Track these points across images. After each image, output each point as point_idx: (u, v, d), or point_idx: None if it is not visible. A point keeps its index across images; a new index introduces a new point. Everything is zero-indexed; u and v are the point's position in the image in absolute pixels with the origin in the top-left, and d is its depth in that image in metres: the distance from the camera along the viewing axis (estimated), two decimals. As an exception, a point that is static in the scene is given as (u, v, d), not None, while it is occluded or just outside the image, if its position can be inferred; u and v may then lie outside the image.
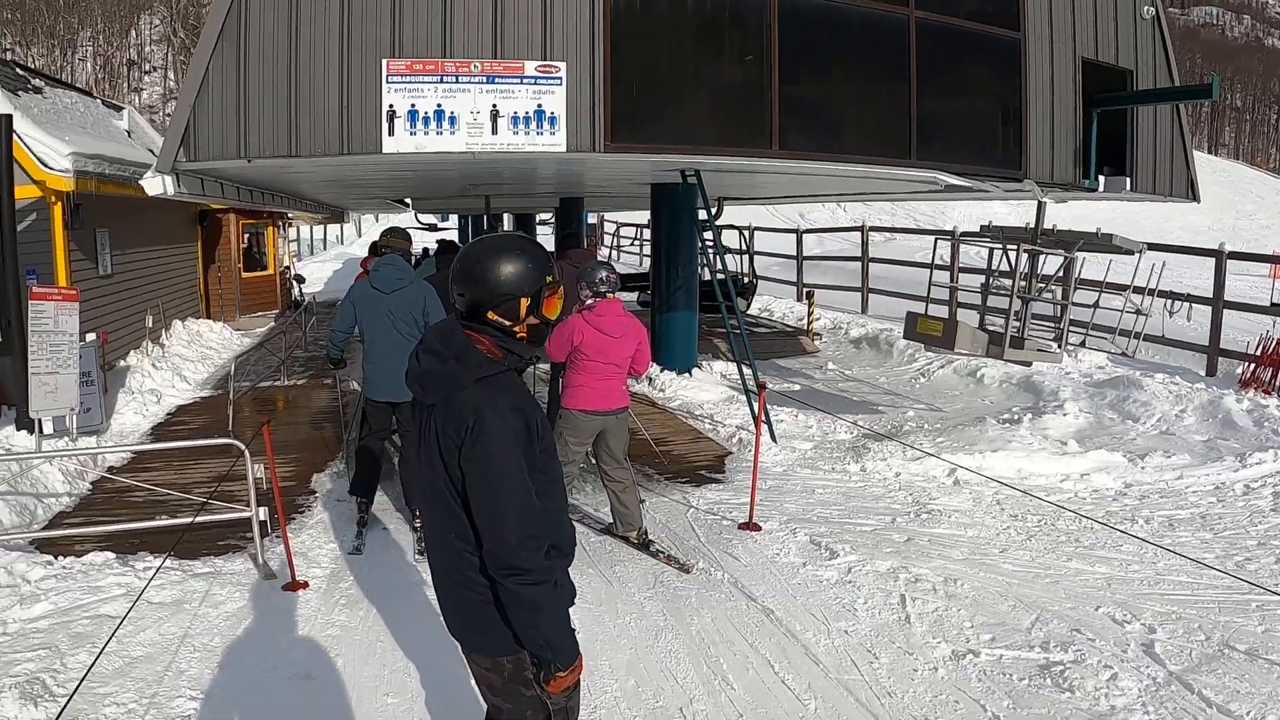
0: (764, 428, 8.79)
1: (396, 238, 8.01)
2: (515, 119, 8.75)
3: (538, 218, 30.20)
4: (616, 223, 36.82)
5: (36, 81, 15.46)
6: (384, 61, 8.58)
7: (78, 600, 6.50)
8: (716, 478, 9.07)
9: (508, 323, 3.09)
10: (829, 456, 9.55)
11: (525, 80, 8.73)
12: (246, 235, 23.38)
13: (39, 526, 8.22)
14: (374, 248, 8.81)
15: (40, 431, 10.28)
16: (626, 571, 6.84)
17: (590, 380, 6.86)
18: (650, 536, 7.31)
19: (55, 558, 7.12)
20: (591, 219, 31.25)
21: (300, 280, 26.33)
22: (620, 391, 7.02)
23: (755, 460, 7.98)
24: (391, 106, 8.59)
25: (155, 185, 8.79)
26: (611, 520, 7.44)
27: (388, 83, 8.58)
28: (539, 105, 8.77)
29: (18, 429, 10.35)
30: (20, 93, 13.61)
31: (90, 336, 11.76)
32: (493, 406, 2.96)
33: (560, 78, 8.84)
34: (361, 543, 7.54)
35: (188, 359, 16.14)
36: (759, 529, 7.48)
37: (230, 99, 8.51)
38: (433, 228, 24.45)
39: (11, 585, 6.70)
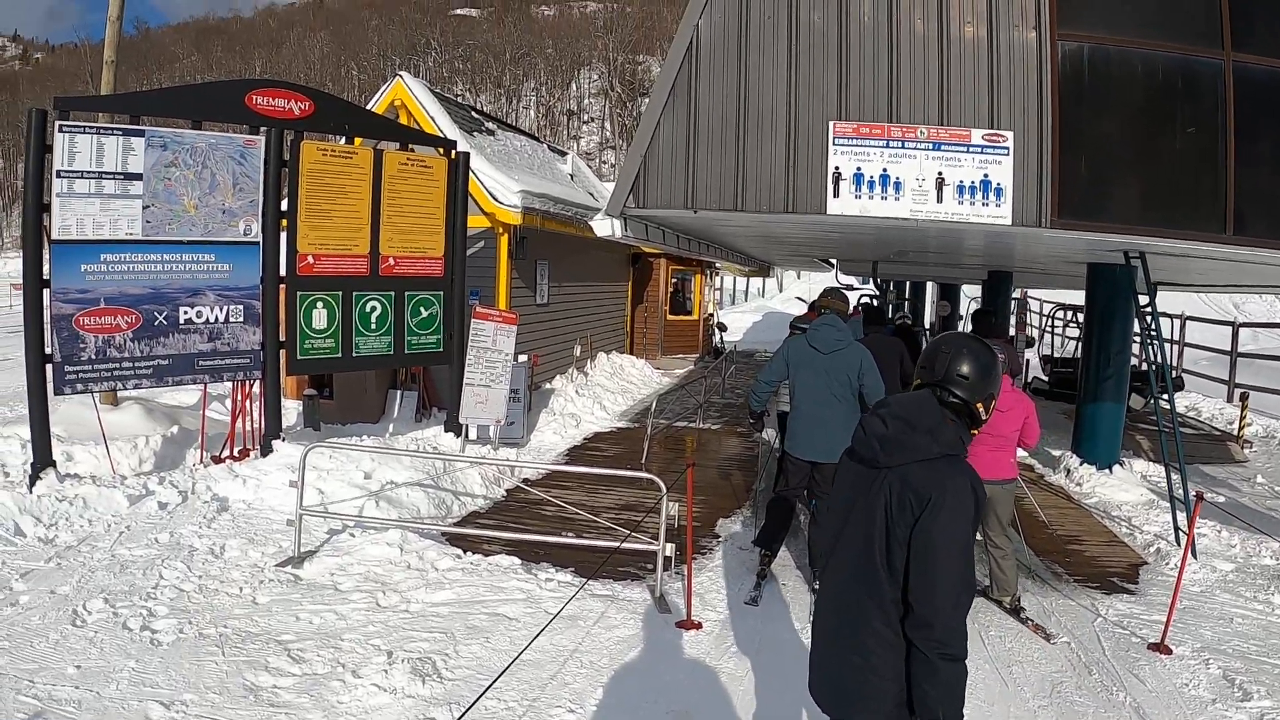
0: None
1: (835, 299, 8.09)
2: (961, 188, 8.47)
3: (963, 290, 29.37)
4: (1040, 299, 34.84)
5: (490, 125, 17.29)
6: (831, 123, 8.62)
7: (479, 595, 6.91)
8: (1128, 588, 8.27)
9: (984, 416, 3.43)
10: (1251, 582, 8.45)
11: (972, 149, 8.45)
12: (675, 280, 24.60)
13: (452, 521, 8.93)
14: (813, 306, 8.82)
15: (466, 436, 11.25)
16: (1023, 673, 6.34)
17: (980, 451, 7.01)
18: (1022, 604, 7.42)
19: (464, 552, 7.69)
20: (1015, 294, 29.81)
21: (722, 328, 27.24)
22: (1008, 463, 7.38)
23: (1179, 579, 7.28)
24: (837, 168, 8.60)
25: (604, 227, 9.31)
26: (988, 584, 7.62)
27: (834, 144, 8.60)
28: (985, 175, 8.45)
29: (445, 430, 11.35)
30: (475, 134, 15.22)
31: (522, 358, 12.78)
32: (955, 483, 3.13)
33: (1007, 148, 8.45)
34: (759, 594, 7.43)
35: (609, 390, 17.06)
36: (1169, 652, 6.84)
37: (680, 152, 8.91)
38: (849, 289, 24.44)
39: (420, 570, 7.29)
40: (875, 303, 17.22)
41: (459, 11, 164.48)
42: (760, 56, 8.62)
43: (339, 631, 6.20)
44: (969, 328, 12.88)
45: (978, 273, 20.61)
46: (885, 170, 8.49)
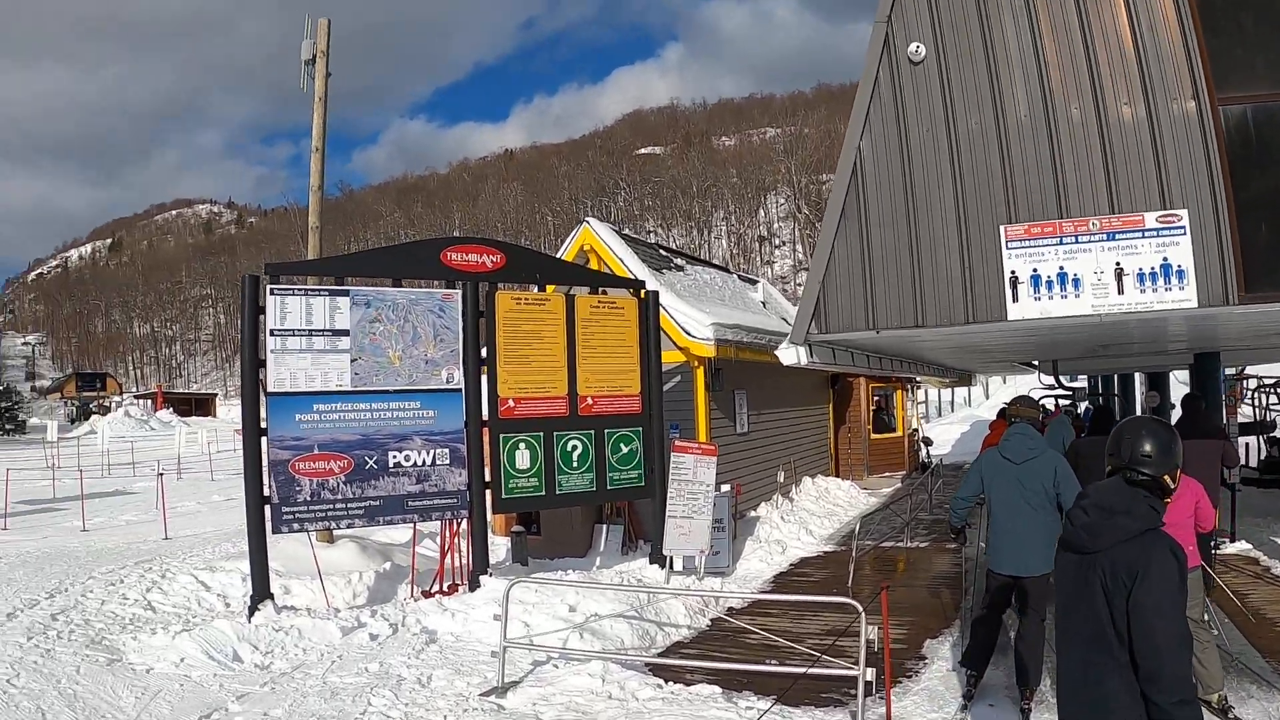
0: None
1: (1025, 406, 8.03)
2: (1140, 276, 8.26)
3: (1173, 375, 28.07)
4: (1258, 376, 32.45)
5: (679, 260, 18.03)
6: (1002, 228, 8.62)
7: (678, 726, 6.97)
8: (1352, 685, 7.63)
9: (1172, 485, 3.91)
10: None
11: (1147, 234, 8.26)
12: (876, 398, 24.49)
13: (656, 652, 9.09)
14: (1003, 413, 8.71)
15: (670, 568, 11.47)
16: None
17: None
18: (1230, 703, 7.00)
19: (665, 682, 7.81)
20: (1230, 370, 28.14)
21: (928, 442, 26.82)
22: (1188, 551, 6.94)
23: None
24: (1013, 272, 8.57)
25: (789, 356, 9.53)
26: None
27: (1007, 248, 8.60)
28: (1164, 259, 8.22)
29: (650, 562, 11.62)
30: (664, 270, 15.84)
31: (725, 487, 12.99)
32: (1158, 553, 3.58)
33: (1183, 226, 8.20)
34: (964, 717, 7.24)
35: (814, 514, 16.98)
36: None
37: (856, 274, 9.08)
38: (1051, 388, 23.83)
39: (621, 699, 7.48)
40: (1078, 402, 16.63)
41: (643, 150, 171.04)
42: (924, 169, 8.74)
43: (541, 759, 6.41)
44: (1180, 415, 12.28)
45: (1183, 357, 19.76)
46: (1062, 268, 8.41)
